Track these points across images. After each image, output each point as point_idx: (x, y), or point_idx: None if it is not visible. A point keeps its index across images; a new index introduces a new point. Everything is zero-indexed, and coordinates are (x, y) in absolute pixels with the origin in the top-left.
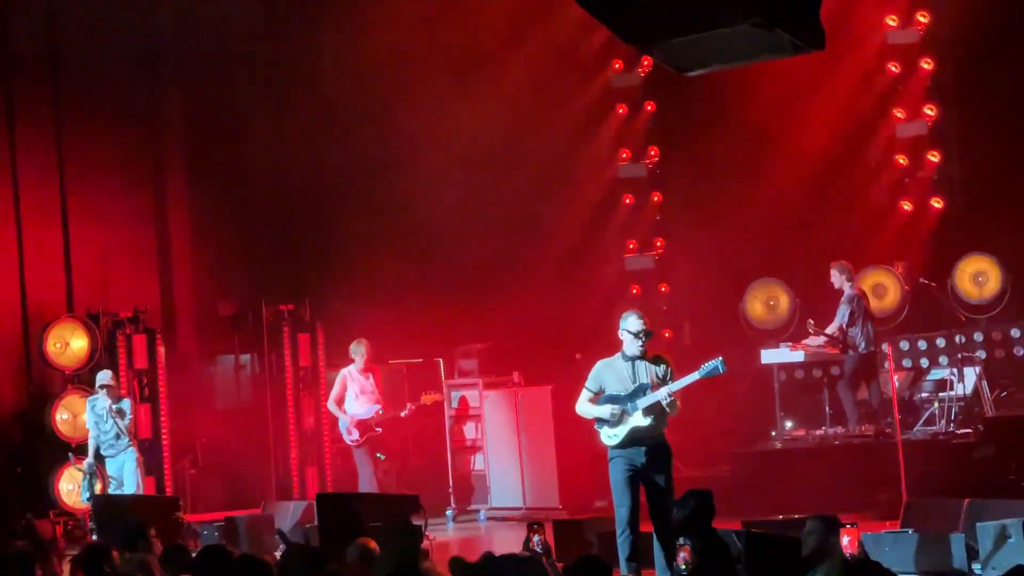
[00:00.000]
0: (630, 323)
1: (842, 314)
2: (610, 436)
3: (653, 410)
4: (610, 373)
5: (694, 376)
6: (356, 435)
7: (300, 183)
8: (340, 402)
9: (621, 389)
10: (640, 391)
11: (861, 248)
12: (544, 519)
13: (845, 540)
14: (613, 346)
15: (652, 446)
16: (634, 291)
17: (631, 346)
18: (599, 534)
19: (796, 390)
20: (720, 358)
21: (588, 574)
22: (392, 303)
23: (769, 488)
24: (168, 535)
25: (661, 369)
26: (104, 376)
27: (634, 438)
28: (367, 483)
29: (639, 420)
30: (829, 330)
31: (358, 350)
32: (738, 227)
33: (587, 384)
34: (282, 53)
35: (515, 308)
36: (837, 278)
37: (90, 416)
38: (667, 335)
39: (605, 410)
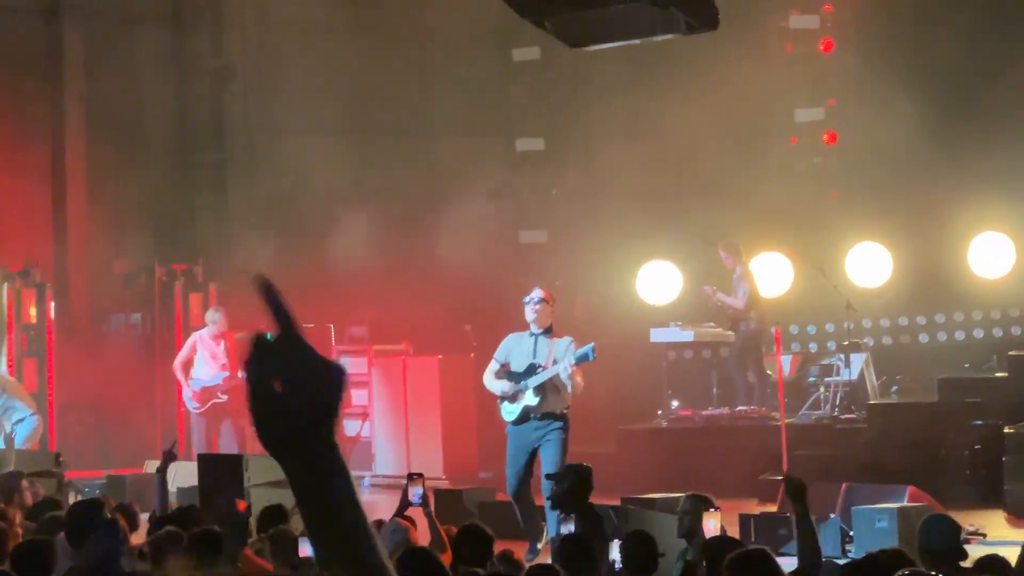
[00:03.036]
0: (531, 294)
1: (743, 291)
2: (508, 412)
3: (543, 389)
4: (516, 347)
5: (570, 358)
6: (196, 404)
7: (200, 143)
8: (186, 366)
9: (522, 365)
10: (532, 370)
11: (755, 232)
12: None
13: (711, 524)
14: (502, 318)
15: (543, 423)
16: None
17: (527, 314)
18: (480, 504)
19: (684, 370)
20: (591, 344)
21: (470, 543)
22: (287, 267)
23: (654, 467)
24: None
25: (559, 349)
26: None
27: (526, 415)
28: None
29: (530, 399)
30: (731, 302)
31: (214, 316)
32: (632, 205)
33: (495, 355)
34: (185, 10)
35: (407, 277)
36: (729, 259)
37: None
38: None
39: (501, 386)
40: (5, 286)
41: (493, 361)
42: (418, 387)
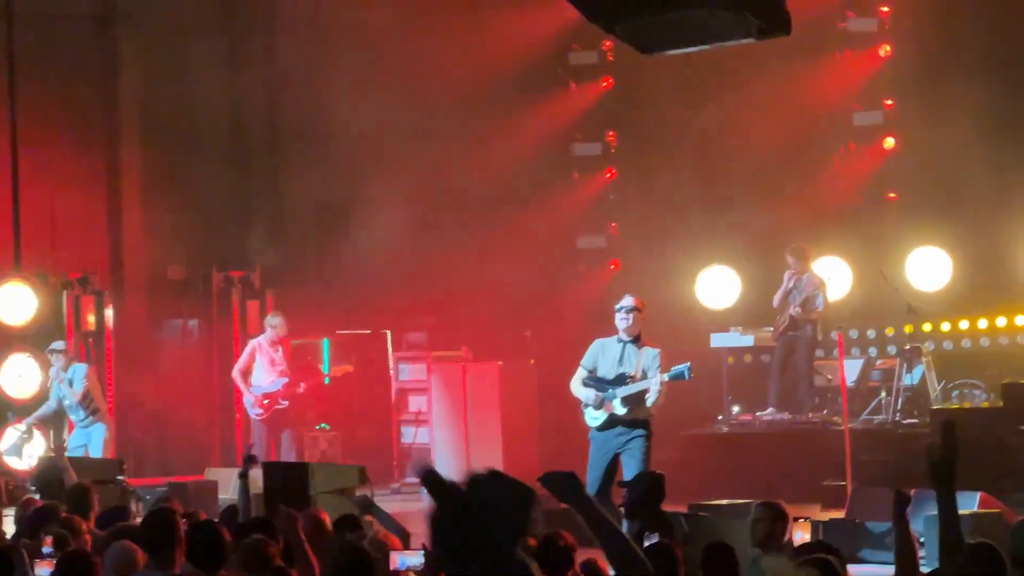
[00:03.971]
0: (622, 301)
1: (820, 299)
2: (593, 418)
3: (631, 399)
4: (603, 353)
5: (663, 377)
6: (260, 411)
7: (255, 150)
8: (246, 373)
9: (610, 372)
10: (621, 379)
11: (815, 237)
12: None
13: (799, 535)
14: (562, 324)
15: (626, 429)
16: (580, 268)
17: (617, 322)
18: (545, 511)
19: (744, 375)
20: (688, 364)
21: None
22: (343, 274)
23: (714, 472)
24: (111, 498)
25: (647, 359)
26: (56, 344)
27: (612, 423)
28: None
29: (618, 408)
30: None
31: (273, 322)
32: (692, 210)
33: (582, 361)
34: (238, 16)
35: (466, 284)
36: (797, 263)
37: (54, 385)
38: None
39: (588, 394)
40: (64, 293)
41: (580, 368)
42: (478, 393)
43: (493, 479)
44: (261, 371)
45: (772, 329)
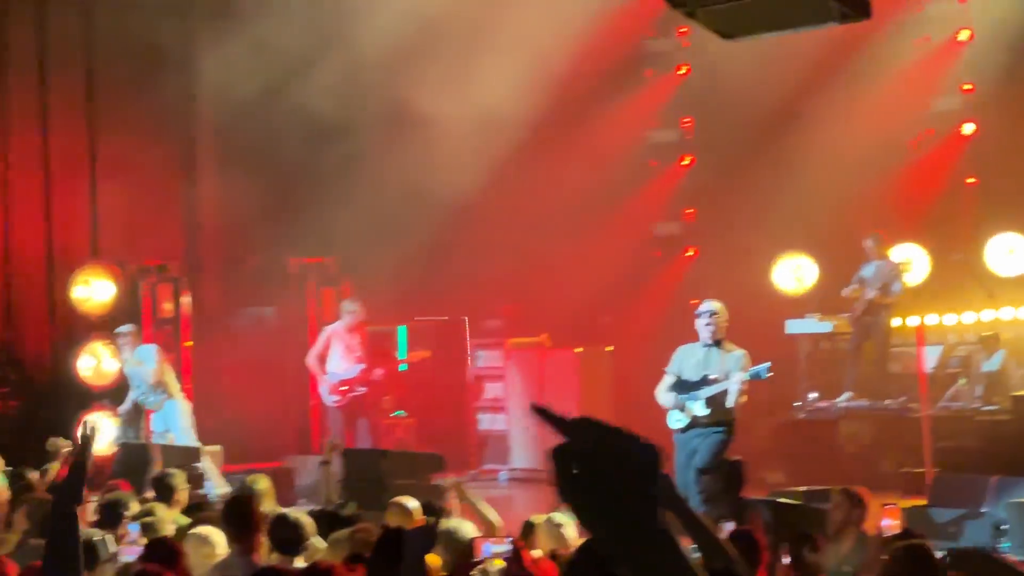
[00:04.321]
0: (701, 307)
1: (897, 284)
2: (676, 420)
3: (713, 401)
4: (688, 358)
5: (743, 376)
6: (336, 397)
7: (331, 136)
8: (322, 359)
9: (694, 375)
10: (704, 382)
11: (892, 223)
12: None
13: (886, 522)
14: (639, 311)
15: (706, 430)
16: (657, 254)
17: (699, 328)
18: None
19: (821, 361)
20: (767, 364)
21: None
22: (420, 260)
23: (793, 459)
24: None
25: (730, 362)
26: (122, 328)
27: (693, 425)
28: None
29: (700, 409)
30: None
31: (350, 307)
32: (769, 196)
33: (668, 367)
34: (316, 5)
35: (543, 271)
36: (875, 249)
37: (127, 370)
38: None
39: (670, 400)
40: (141, 281)
41: (667, 375)
42: (555, 380)
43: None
44: (337, 358)
45: (849, 314)
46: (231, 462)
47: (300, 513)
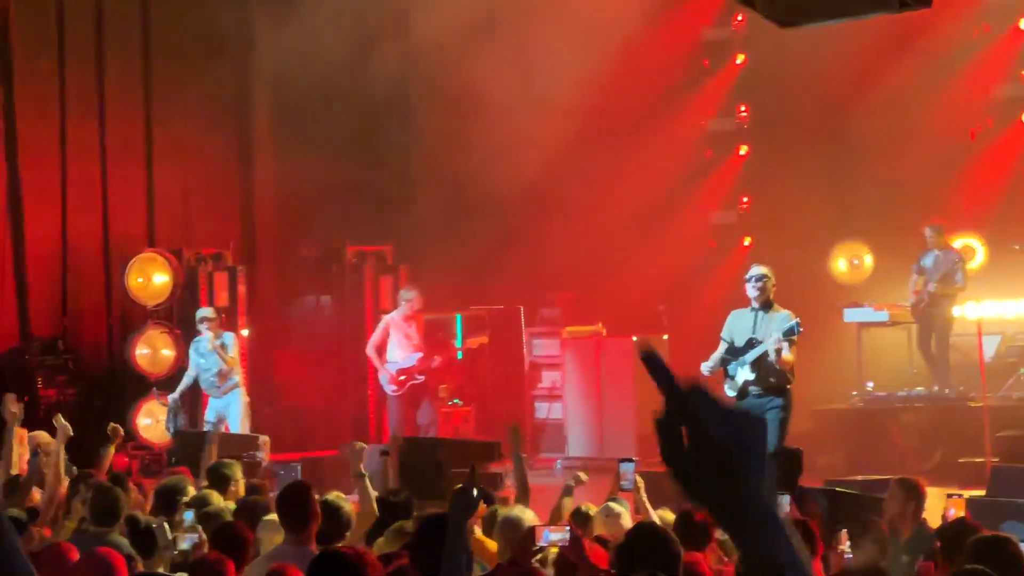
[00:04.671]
0: (750, 271)
1: (959, 275)
2: (729, 388)
3: (759, 364)
4: (738, 324)
5: (778, 335)
6: (394, 387)
7: (388, 124)
8: (380, 349)
9: (742, 340)
10: (750, 345)
11: (948, 211)
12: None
13: (951, 512)
14: (695, 299)
15: (763, 399)
16: (712, 244)
17: (748, 291)
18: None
19: (879, 350)
20: (797, 320)
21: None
22: (476, 249)
23: (849, 448)
24: (247, 474)
25: (776, 323)
26: (205, 311)
27: (744, 391)
28: (394, 431)
29: (747, 374)
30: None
31: (407, 296)
32: (825, 185)
33: (722, 334)
34: None
35: (599, 259)
36: (935, 238)
37: (193, 356)
38: None
39: (713, 365)
40: (198, 269)
41: (721, 342)
42: (611, 368)
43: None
44: (395, 347)
45: (911, 304)
46: (286, 451)
47: (343, 500)
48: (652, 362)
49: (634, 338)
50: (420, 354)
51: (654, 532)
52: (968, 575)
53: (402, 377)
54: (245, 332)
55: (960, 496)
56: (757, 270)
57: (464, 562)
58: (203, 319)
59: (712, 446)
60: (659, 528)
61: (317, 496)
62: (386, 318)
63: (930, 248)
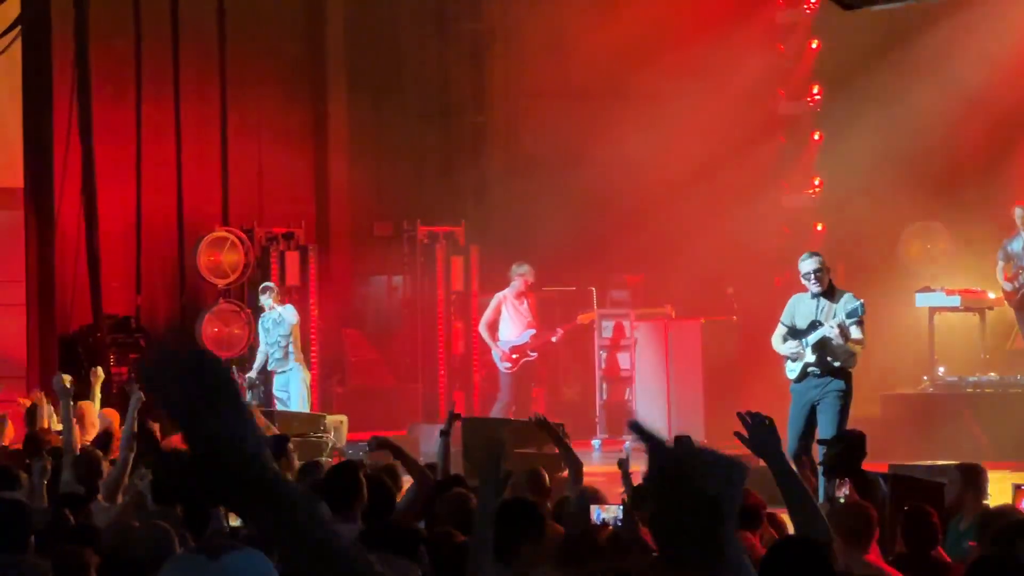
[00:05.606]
0: (800, 266)
1: None
2: (790, 371)
3: (821, 345)
4: (799, 307)
5: (841, 317)
6: (508, 364)
7: (460, 106)
8: (492, 326)
9: (805, 323)
10: (813, 327)
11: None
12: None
13: None
14: (765, 281)
15: (822, 380)
16: (785, 230)
17: (808, 286)
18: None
19: (951, 335)
20: (861, 301)
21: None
22: (548, 230)
23: (919, 433)
24: (310, 452)
25: (840, 306)
26: (267, 283)
27: (804, 373)
28: (500, 409)
29: (808, 356)
30: None
31: (520, 271)
32: (899, 167)
33: (781, 318)
34: None
35: (669, 242)
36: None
37: (261, 330)
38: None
39: (788, 347)
40: (270, 248)
41: (780, 324)
42: (680, 351)
43: (700, 447)
44: (508, 324)
45: (1009, 290)
46: (357, 430)
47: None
48: (638, 430)
49: (702, 320)
50: (533, 331)
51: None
52: (986, 560)
53: (515, 355)
54: (316, 311)
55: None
56: (809, 264)
57: (489, 542)
58: (264, 290)
59: (702, 499)
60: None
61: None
62: (498, 296)
63: (1020, 231)
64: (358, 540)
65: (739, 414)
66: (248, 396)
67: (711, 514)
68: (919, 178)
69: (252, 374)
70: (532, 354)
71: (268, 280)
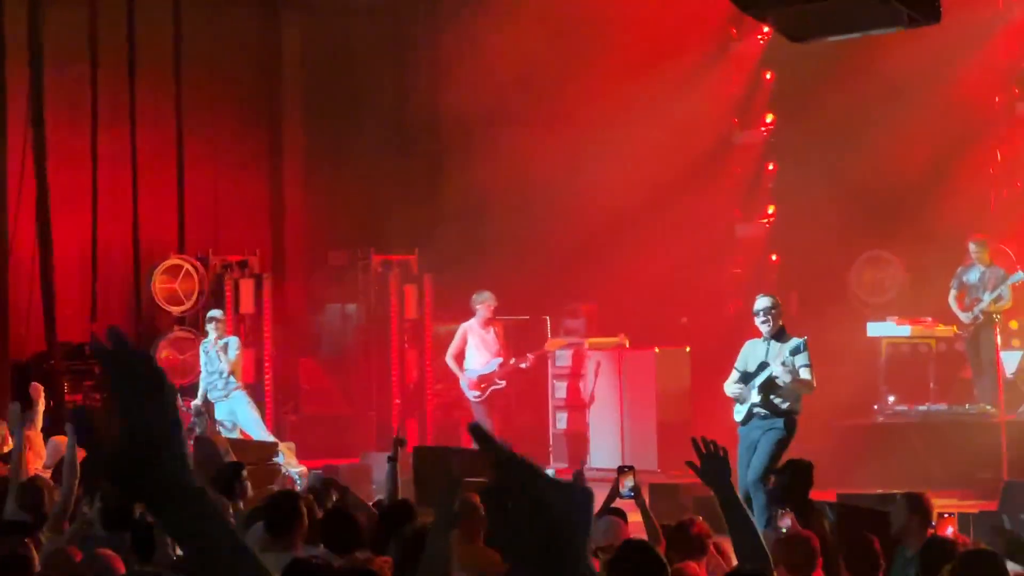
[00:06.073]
0: (755, 304)
1: (1006, 291)
2: (737, 412)
3: (766, 387)
4: (752, 353)
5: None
6: (476, 393)
7: (416, 133)
8: (459, 357)
9: (754, 366)
10: (760, 369)
11: (971, 224)
12: (642, 482)
13: (949, 530)
14: (718, 311)
15: (765, 421)
16: (739, 260)
17: (757, 325)
18: (695, 498)
19: (901, 364)
20: (804, 338)
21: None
22: (502, 259)
23: (870, 462)
24: (265, 480)
25: (788, 348)
26: (214, 312)
27: (750, 414)
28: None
29: (753, 397)
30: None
31: (479, 299)
32: (851, 197)
33: (735, 364)
34: (401, 1)
35: (623, 270)
36: (979, 252)
37: (202, 357)
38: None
39: (734, 390)
40: (224, 276)
41: (734, 370)
42: (634, 380)
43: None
44: (474, 353)
45: (967, 319)
46: (311, 458)
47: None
48: (478, 433)
49: (656, 350)
50: (500, 359)
51: (644, 550)
52: None
53: (483, 384)
54: (270, 339)
55: (952, 515)
56: (762, 302)
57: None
58: (211, 319)
59: (548, 516)
60: (648, 546)
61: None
62: (464, 325)
63: (974, 263)
64: None
65: (694, 440)
66: (193, 425)
67: (552, 528)
68: (871, 208)
69: (197, 401)
70: (500, 382)
71: (222, 307)
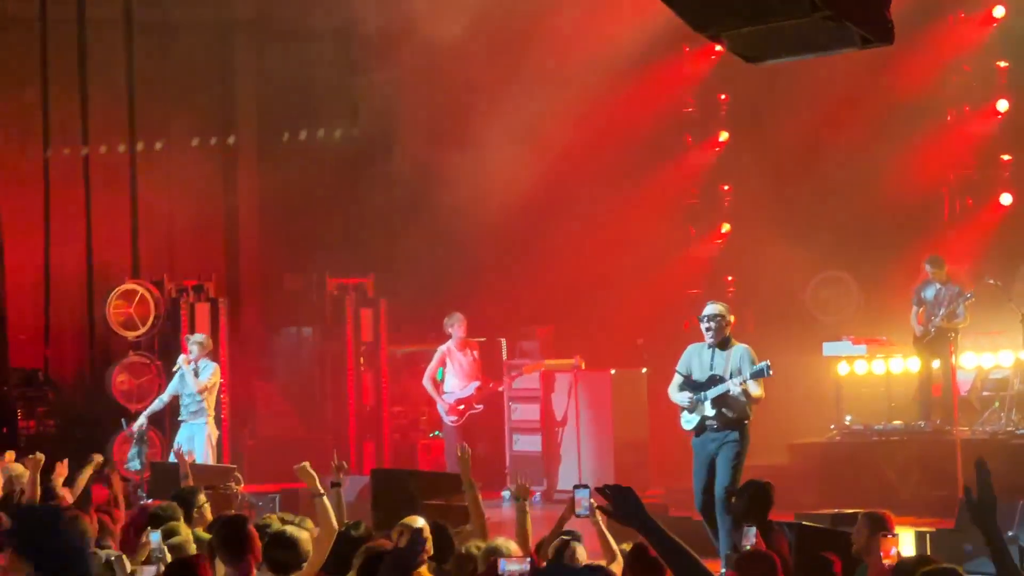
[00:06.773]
0: (704, 310)
1: (961, 310)
2: (687, 422)
3: (720, 400)
4: (696, 358)
5: (742, 378)
6: (454, 418)
7: (370, 157)
8: (436, 380)
9: (702, 376)
10: (712, 382)
11: (927, 245)
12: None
13: (894, 550)
14: (674, 332)
15: (719, 434)
16: (694, 279)
17: (703, 331)
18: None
19: (857, 384)
20: (767, 362)
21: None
22: (457, 281)
23: (826, 481)
24: (222, 505)
25: (735, 358)
26: (198, 335)
27: (703, 426)
28: (452, 466)
29: (707, 410)
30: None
31: (451, 322)
32: (806, 217)
33: (677, 367)
34: (355, 25)
35: (578, 292)
36: (936, 272)
37: (175, 378)
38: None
39: (683, 398)
40: (180, 300)
41: (676, 374)
42: (590, 401)
43: None
44: (452, 377)
45: (919, 333)
46: (267, 482)
47: (299, 532)
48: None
49: (612, 371)
50: (478, 383)
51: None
52: None
53: (461, 407)
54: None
55: (894, 535)
56: (711, 308)
57: None
58: (194, 342)
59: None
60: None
61: (279, 524)
62: (441, 348)
63: (931, 280)
64: None
65: (599, 490)
66: (133, 447)
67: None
68: (826, 228)
69: (142, 420)
70: (478, 406)
71: (178, 332)
